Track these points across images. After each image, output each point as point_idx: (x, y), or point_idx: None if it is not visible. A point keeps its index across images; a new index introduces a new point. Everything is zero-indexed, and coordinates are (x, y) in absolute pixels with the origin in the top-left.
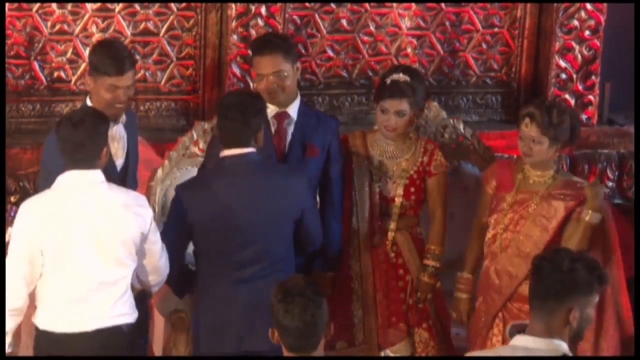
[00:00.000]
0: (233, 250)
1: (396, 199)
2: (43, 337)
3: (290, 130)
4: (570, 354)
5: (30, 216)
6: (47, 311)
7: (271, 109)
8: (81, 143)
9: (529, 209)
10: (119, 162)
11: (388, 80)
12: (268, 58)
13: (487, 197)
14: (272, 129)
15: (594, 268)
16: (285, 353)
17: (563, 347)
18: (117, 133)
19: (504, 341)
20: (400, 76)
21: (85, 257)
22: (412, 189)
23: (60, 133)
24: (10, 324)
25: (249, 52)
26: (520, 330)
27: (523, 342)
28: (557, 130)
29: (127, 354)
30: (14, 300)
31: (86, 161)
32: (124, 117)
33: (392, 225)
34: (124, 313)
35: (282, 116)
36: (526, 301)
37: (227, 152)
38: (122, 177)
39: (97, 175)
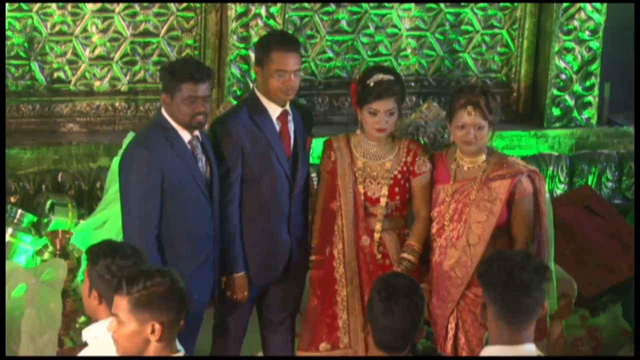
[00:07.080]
0: None
1: (381, 199)
2: None
3: (292, 127)
4: (542, 354)
5: None
6: None
7: (274, 110)
8: None
9: (471, 196)
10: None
11: (371, 83)
12: (294, 55)
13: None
14: (277, 128)
15: (543, 268)
16: (373, 350)
17: (532, 349)
18: None
19: (465, 335)
20: (382, 76)
21: None
22: (397, 189)
23: None
24: None
25: (252, 49)
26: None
27: (493, 353)
28: (493, 113)
29: None
30: None
31: None
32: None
33: (378, 226)
34: None
35: (285, 115)
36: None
37: None
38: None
39: None
